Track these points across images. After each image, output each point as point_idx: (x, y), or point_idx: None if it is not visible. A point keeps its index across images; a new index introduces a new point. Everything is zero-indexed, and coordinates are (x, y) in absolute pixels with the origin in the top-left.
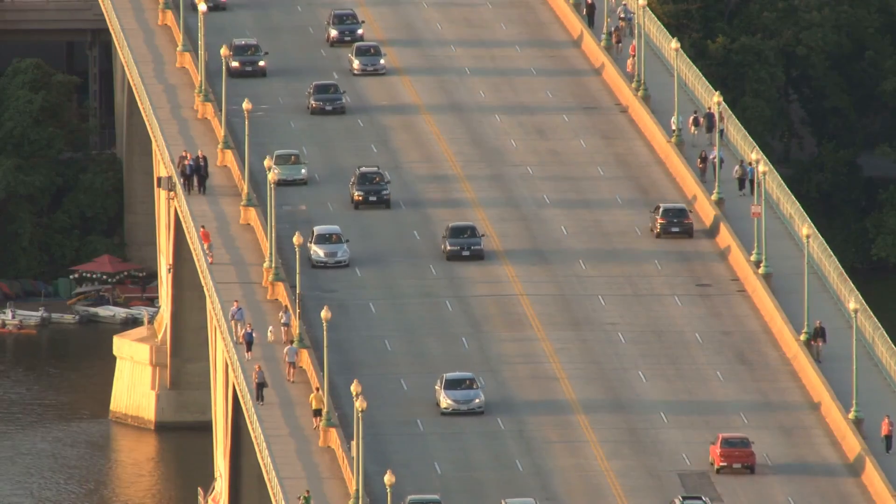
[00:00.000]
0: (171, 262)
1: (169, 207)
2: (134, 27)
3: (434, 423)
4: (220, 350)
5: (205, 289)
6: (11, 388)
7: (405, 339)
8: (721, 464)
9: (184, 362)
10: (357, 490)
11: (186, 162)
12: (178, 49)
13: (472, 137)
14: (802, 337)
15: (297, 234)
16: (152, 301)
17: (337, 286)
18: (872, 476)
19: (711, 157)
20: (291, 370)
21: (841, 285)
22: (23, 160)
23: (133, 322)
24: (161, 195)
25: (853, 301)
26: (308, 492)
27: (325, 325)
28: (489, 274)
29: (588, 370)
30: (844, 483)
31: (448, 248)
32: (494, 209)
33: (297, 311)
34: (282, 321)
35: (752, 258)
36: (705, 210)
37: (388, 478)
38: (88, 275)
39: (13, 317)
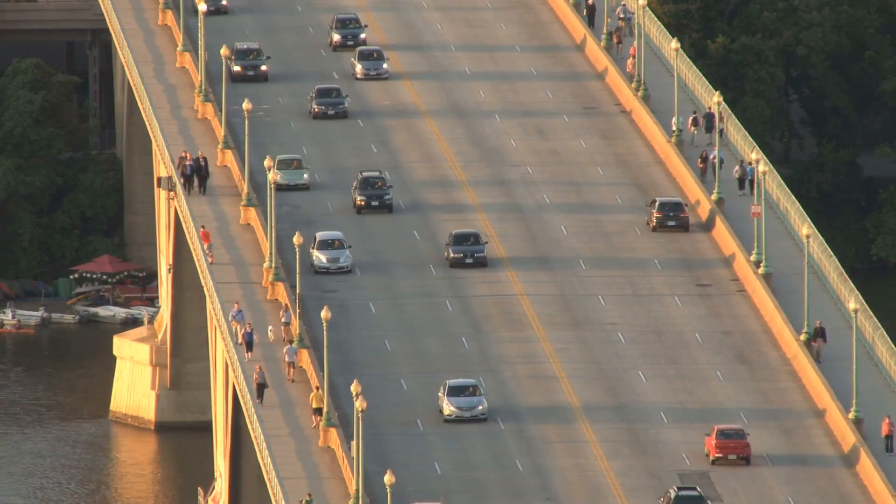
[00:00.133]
0: (171, 262)
1: (169, 207)
2: (134, 27)
3: (435, 423)
4: (220, 350)
5: (205, 289)
6: (11, 388)
7: (405, 339)
8: (717, 455)
9: (184, 362)
10: (357, 490)
11: (187, 162)
12: (178, 49)
13: (473, 139)
14: (802, 337)
15: (297, 234)
16: (152, 301)
17: (337, 286)
18: (872, 476)
19: (711, 157)
20: (291, 370)
21: (841, 285)
22: (23, 160)
23: (133, 322)
24: (161, 195)
25: (853, 301)
26: (310, 495)
27: (325, 325)
28: (489, 274)
29: (588, 370)
30: (844, 483)
31: (451, 255)
32: (494, 209)
33: (297, 311)
34: (282, 320)
35: (752, 258)
36: (705, 210)
37: (388, 478)
38: (88, 275)
39: (13, 317)
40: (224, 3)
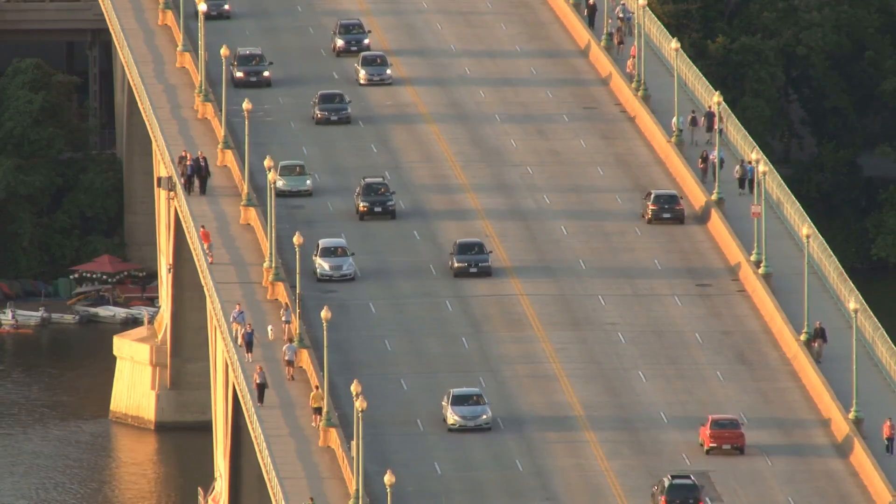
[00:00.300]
0: (171, 262)
1: (169, 207)
2: (134, 27)
3: (435, 423)
4: (220, 350)
5: (205, 289)
6: (12, 389)
7: (405, 339)
8: (711, 445)
9: (184, 362)
10: (357, 490)
11: (187, 162)
12: (178, 49)
13: (473, 140)
14: (802, 337)
15: (297, 234)
16: (152, 301)
17: (337, 287)
18: (872, 476)
19: (712, 157)
20: (290, 369)
21: (841, 285)
22: (23, 160)
23: (133, 322)
24: (161, 195)
25: (853, 301)
26: (312, 499)
27: (325, 325)
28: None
29: (588, 370)
30: (844, 483)
31: (455, 264)
32: (494, 210)
33: (297, 311)
34: (283, 319)
35: (752, 258)
36: (706, 210)
37: (388, 478)
38: (88, 275)
39: (13, 317)
40: (226, 7)
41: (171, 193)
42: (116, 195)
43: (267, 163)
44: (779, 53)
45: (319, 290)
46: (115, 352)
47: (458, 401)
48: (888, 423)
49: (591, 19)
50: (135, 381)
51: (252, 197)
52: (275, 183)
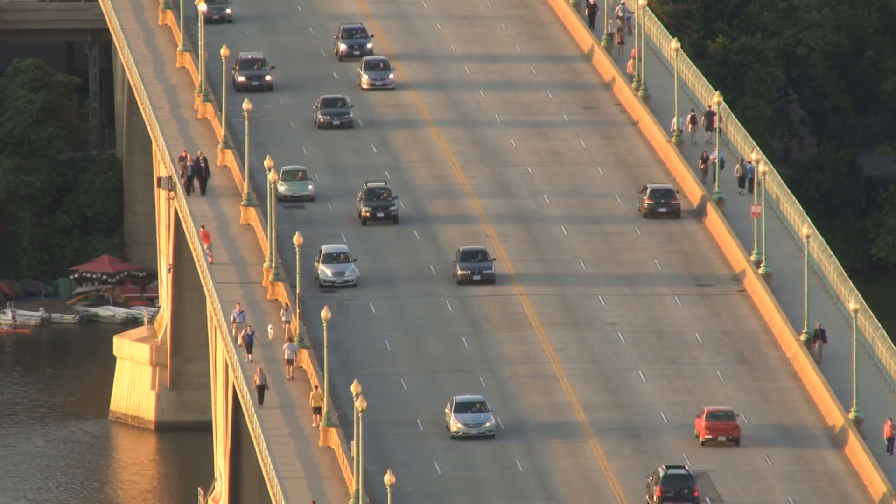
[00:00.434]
0: (171, 262)
1: (169, 207)
2: (134, 27)
3: (435, 423)
4: (221, 350)
5: (205, 289)
6: (11, 389)
7: (405, 339)
8: (706, 436)
9: (184, 362)
10: (357, 490)
11: (188, 163)
12: (178, 49)
13: (474, 142)
14: (802, 337)
15: (297, 234)
16: (152, 301)
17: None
18: (872, 476)
19: (712, 157)
20: (289, 368)
21: (841, 285)
22: (23, 160)
23: (133, 322)
24: (161, 195)
25: (853, 301)
26: (314, 502)
27: (325, 325)
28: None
29: (588, 370)
30: (844, 483)
31: (459, 272)
32: (494, 210)
33: (297, 311)
34: (283, 318)
35: (752, 258)
36: (706, 210)
37: (388, 478)
38: (88, 275)
39: (13, 317)
40: (228, 11)
41: (171, 193)
42: (116, 195)
43: (267, 163)
44: (779, 53)
45: (320, 290)
46: (115, 352)
47: (462, 408)
48: (888, 423)
49: (591, 19)
50: (135, 381)
51: (252, 197)
52: (275, 183)
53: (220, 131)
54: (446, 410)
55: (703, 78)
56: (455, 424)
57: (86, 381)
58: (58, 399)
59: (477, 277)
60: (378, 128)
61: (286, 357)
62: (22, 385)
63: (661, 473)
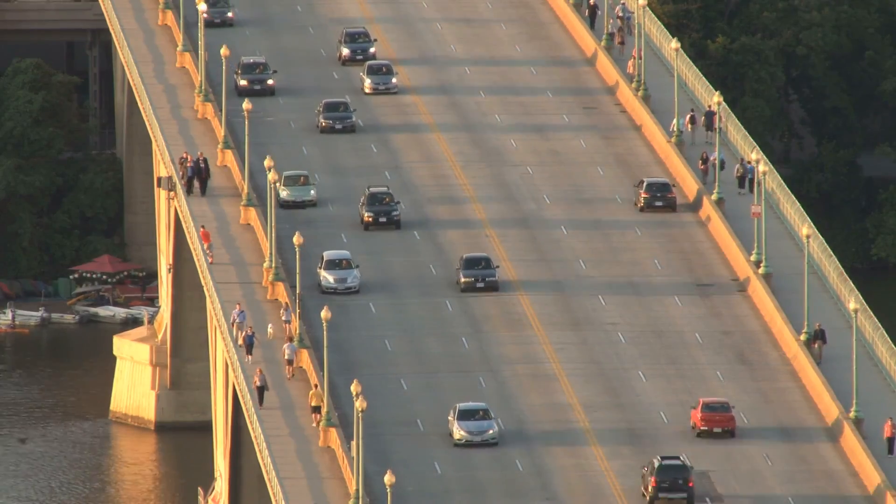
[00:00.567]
0: (171, 262)
1: (169, 207)
2: (134, 27)
3: (434, 423)
4: (221, 350)
5: (205, 289)
6: (11, 389)
7: (405, 339)
8: (702, 427)
9: (184, 362)
10: (357, 490)
11: (188, 164)
12: (178, 49)
13: (474, 142)
14: (802, 337)
15: (297, 234)
16: (152, 301)
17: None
18: (873, 476)
19: (712, 158)
20: (289, 367)
21: (841, 285)
22: (23, 160)
23: (133, 322)
24: (161, 195)
25: (853, 301)
26: None
27: (325, 325)
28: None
29: (588, 370)
30: (845, 482)
31: (463, 279)
32: (494, 210)
33: (297, 311)
34: (282, 318)
35: (752, 258)
36: (706, 211)
37: (388, 478)
38: (88, 275)
39: (13, 317)
40: (230, 15)
41: (171, 193)
42: (116, 195)
43: (267, 163)
44: (779, 53)
45: (320, 290)
46: (115, 352)
47: (465, 416)
48: (889, 423)
49: (591, 20)
50: (135, 381)
51: (252, 197)
52: (275, 183)
53: (220, 131)
54: (449, 418)
55: (703, 78)
56: (458, 432)
57: (86, 381)
58: (58, 399)
59: (480, 285)
60: (380, 131)
61: (286, 357)
62: (22, 385)
63: (656, 464)
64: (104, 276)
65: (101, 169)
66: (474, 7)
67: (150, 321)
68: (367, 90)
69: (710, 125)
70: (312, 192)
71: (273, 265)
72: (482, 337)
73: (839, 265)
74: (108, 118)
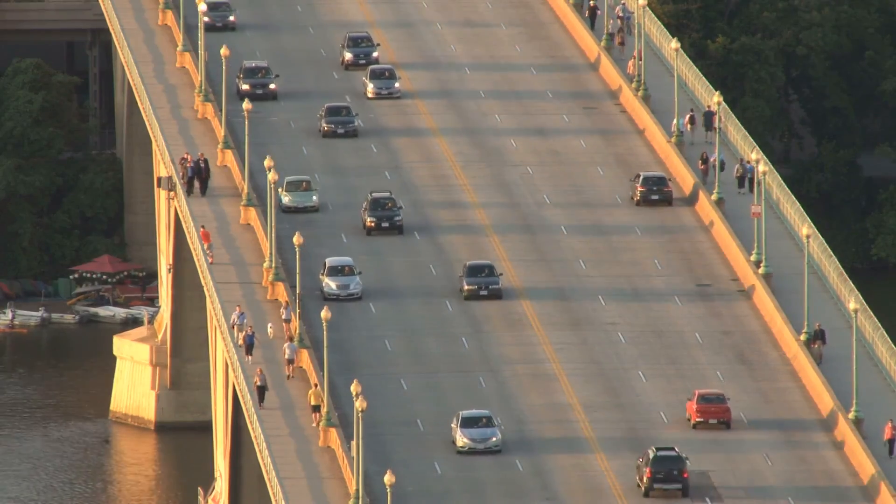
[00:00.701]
0: (171, 262)
1: (169, 207)
2: (134, 27)
3: (434, 423)
4: (221, 350)
5: (205, 289)
6: (12, 389)
7: (405, 339)
8: (697, 419)
9: (184, 362)
10: (357, 490)
11: (188, 164)
12: (178, 49)
13: (474, 142)
14: (802, 337)
15: (297, 234)
16: (152, 301)
17: None
18: (873, 477)
19: (712, 158)
20: (289, 367)
21: (841, 285)
22: (23, 160)
23: (133, 322)
24: (161, 195)
25: (853, 301)
26: None
27: (325, 325)
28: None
29: (588, 370)
30: (845, 483)
31: (466, 287)
32: (494, 210)
33: (297, 311)
34: (282, 317)
35: (752, 258)
36: (707, 211)
37: (388, 478)
38: (88, 275)
39: (12, 317)
40: (231, 19)
41: (171, 193)
42: (116, 195)
43: (267, 163)
44: (779, 53)
45: (322, 297)
46: (115, 352)
47: (468, 423)
48: (889, 425)
49: (591, 20)
50: (135, 381)
51: (252, 197)
52: (275, 184)
53: (220, 131)
54: (452, 425)
55: (703, 78)
56: (461, 440)
57: (86, 381)
58: (58, 399)
59: (484, 293)
60: (381, 132)
61: (286, 356)
62: (22, 385)
63: (651, 455)
64: (104, 276)
65: (101, 169)
66: (474, 7)
67: (150, 321)
68: (369, 94)
69: (709, 125)
70: (314, 197)
71: (273, 265)
72: (482, 337)
73: (839, 265)
74: (108, 118)
